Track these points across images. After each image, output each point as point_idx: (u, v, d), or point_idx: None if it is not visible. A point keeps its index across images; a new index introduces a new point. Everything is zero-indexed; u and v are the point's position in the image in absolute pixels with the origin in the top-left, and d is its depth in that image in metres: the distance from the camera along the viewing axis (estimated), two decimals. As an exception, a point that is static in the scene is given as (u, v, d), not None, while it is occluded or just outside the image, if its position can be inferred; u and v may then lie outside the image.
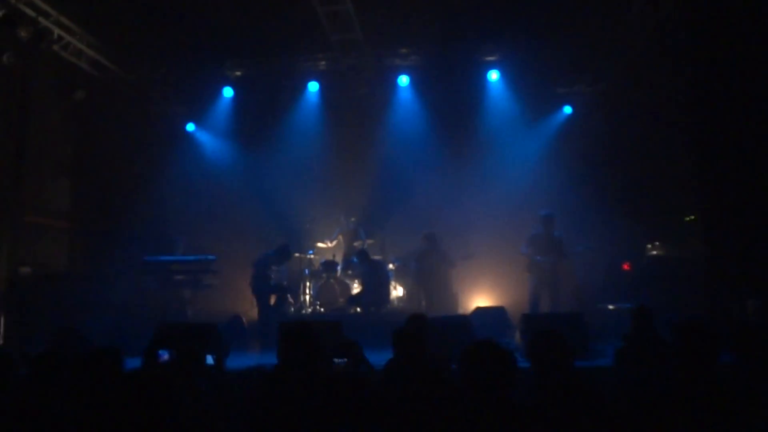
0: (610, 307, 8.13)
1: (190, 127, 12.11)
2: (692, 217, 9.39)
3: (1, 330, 8.75)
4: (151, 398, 2.96)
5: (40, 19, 8.91)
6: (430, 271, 9.86)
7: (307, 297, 10.57)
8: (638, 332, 4.93)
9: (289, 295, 10.10)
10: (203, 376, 4.30)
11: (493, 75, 10.86)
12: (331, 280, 10.35)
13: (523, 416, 2.71)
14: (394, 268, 10.60)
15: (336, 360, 4.84)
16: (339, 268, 10.53)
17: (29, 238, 9.94)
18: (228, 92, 11.41)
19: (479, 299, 10.68)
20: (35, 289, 9.46)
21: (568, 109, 11.33)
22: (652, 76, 9.52)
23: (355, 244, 10.84)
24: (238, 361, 6.46)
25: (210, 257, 9.98)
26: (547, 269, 8.81)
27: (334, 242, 11.29)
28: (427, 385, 4.03)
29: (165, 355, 4.31)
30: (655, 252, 9.34)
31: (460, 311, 9.79)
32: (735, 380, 3.21)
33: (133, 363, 4.99)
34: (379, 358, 6.67)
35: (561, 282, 8.89)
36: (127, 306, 9.67)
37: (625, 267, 9.30)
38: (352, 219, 11.20)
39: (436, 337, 5.54)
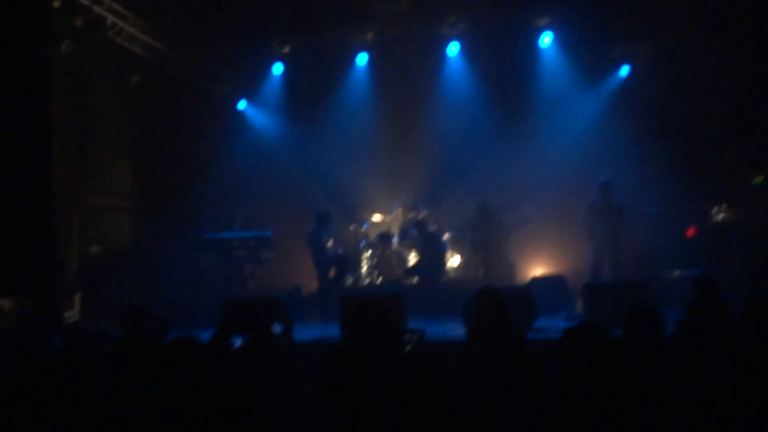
0: (676, 273, 7.90)
1: (242, 104, 12.27)
2: (761, 178, 8.99)
3: (77, 307, 9.20)
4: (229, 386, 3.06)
5: (94, 7, 9.15)
6: (486, 240, 9.80)
7: (364, 269, 10.69)
8: (700, 302, 4.76)
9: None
10: (275, 351, 4.42)
11: (546, 39, 10.53)
12: (387, 252, 10.42)
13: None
14: (449, 238, 10.58)
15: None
16: (394, 240, 10.57)
17: (95, 219, 10.36)
18: (278, 68, 11.45)
19: (537, 268, 10.58)
20: (104, 268, 9.91)
21: (625, 70, 10.87)
22: (718, 31, 9.04)
23: (411, 215, 10.84)
24: (300, 333, 6.59)
25: (268, 233, 10.20)
26: (608, 238, 8.61)
27: (394, 214, 11.28)
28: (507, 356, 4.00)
29: (238, 341, 4.41)
30: (721, 216, 8.99)
31: (518, 280, 9.74)
32: None
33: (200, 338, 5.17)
34: (439, 328, 6.75)
35: (623, 250, 8.68)
36: (190, 282, 10.03)
37: (690, 232, 8.99)
38: (412, 195, 11.19)
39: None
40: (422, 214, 10.69)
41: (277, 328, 5.70)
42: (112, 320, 7.87)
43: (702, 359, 3.39)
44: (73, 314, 9.11)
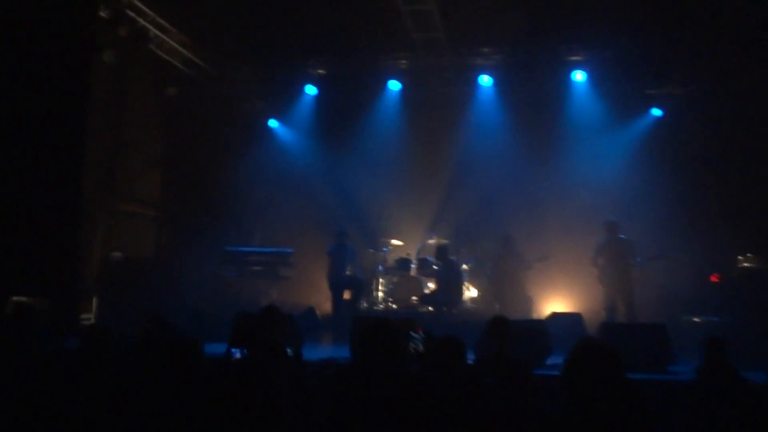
0: (696, 319, 7.75)
1: (273, 123, 12.46)
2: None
3: (94, 310, 9.31)
4: (230, 389, 3.07)
5: (139, 19, 9.45)
6: (505, 273, 9.71)
7: (380, 294, 10.66)
8: (710, 365, 4.76)
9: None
10: (283, 366, 4.41)
11: (578, 75, 10.56)
12: (405, 278, 10.39)
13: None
14: (468, 268, 10.51)
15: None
16: (413, 266, 10.54)
17: (121, 225, 10.54)
18: (311, 90, 11.65)
19: (555, 304, 10.41)
20: (124, 274, 10.02)
21: (657, 112, 10.82)
22: (749, 77, 8.98)
23: (432, 242, 10.80)
24: (313, 353, 6.58)
25: (287, 250, 10.26)
26: (619, 278, 8.54)
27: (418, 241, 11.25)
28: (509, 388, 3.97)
29: (237, 354, 4.48)
30: (747, 264, 8.81)
31: (534, 315, 9.59)
32: None
33: (212, 349, 5.19)
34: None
35: (635, 290, 8.59)
36: (207, 293, 10.09)
37: (714, 278, 8.82)
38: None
39: (512, 341, 5.44)
40: (443, 241, 10.65)
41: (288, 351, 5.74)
42: (128, 326, 7.96)
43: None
44: (89, 317, 9.22)
